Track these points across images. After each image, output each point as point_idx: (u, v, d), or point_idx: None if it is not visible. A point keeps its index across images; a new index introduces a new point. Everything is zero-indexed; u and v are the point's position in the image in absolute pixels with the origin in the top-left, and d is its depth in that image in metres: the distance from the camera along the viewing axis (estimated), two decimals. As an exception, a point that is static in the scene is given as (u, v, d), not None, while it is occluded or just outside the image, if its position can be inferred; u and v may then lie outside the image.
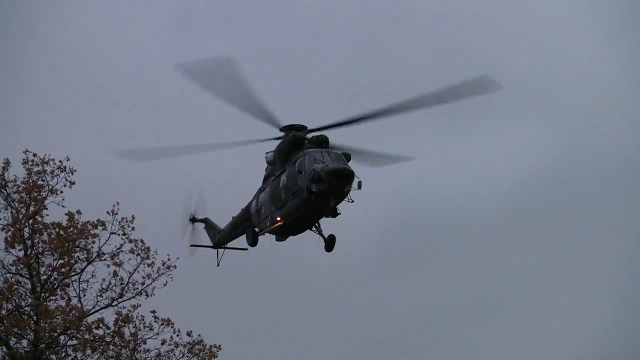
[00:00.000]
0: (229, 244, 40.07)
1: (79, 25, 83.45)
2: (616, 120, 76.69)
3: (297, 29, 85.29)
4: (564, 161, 75.78)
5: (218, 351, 38.53)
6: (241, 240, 38.17)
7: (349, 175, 31.00)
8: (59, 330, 35.86)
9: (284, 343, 64.35)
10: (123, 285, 37.98)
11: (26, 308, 36.49)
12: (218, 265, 40.54)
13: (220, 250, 40.51)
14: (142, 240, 38.81)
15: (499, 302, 70.06)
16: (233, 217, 38.83)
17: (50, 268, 37.05)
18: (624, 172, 73.29)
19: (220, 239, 40.52)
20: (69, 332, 36.22)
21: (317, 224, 33.88)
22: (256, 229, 35.44)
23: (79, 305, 37.06)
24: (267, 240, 35.38)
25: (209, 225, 42.33)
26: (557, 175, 75.18)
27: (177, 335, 38.25)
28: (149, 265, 38.56)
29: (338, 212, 32.55)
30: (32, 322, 36.05)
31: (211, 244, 41.31)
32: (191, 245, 41.81)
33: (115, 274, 37.99)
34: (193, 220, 42.86)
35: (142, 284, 38.33)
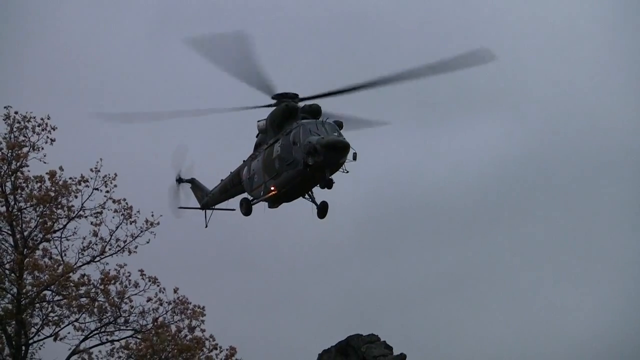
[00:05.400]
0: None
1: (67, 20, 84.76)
2: (578, 115, 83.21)
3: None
4: (530, 151, 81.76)
5: (203, 312, 38.54)
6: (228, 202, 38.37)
7: (345, 148, 30.69)
8: (44, 285, 35.75)
9: (264, 313, 66.87)
10: (104, 244, 37.77)
11: (8, 264, 36.29)
12: (206, 226, 40.21)
13: (209, 212, 40.08)
14: (124, 199, 38.62)
15: (471, 280, 74.23)
16: (222, 180, 38.44)
17: (33, 223, 36.81)
18: (585, 159, 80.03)
19: (208, 201, 40.14)
20: (53, 287, 36.06)
21: (310, 192, 33.63)
22: (249, 198, 35.05)
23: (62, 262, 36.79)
24: (260, 208, 34.98)
25: (195, 185, 41.82)
26: (524, 164, 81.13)
27: (163, 293, 38.35)
28: (131, 223, 38.42)
29: (333, 182, 31.89)
30: (15, 277, 35.79)
31: (198, 205, 40.83)
32: (179, 208, 41.34)
33: (95, 233, 37.76)
34: (179, 180, 42.24)
35: (125, 241, 38.16)
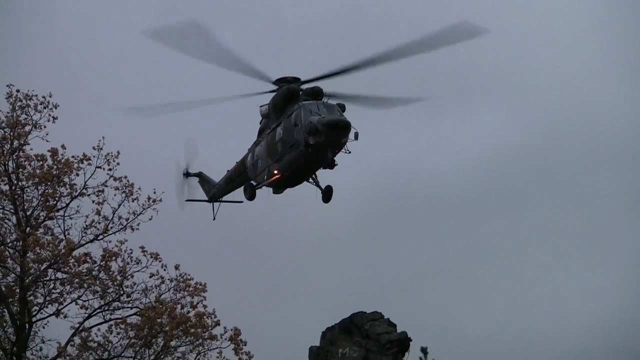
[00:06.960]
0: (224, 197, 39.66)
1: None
2: (577, 105, 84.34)
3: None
4: (530, 140, 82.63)
5: (204, 289, 38.48)
6: (236, 194, 38.26)
7: (346, 127, 30.51)
8: (46, 264, 35.65)
9: (267, 298, 67.67)
10: (107, 222, 37.71)
11: (11, 243, 36.35)
12: (214, 219, 40.10)
13: (216, 204, 39.97)
14: (125, 177, 38.57)
15: (472, 267, 75.00)
16: (228, 171, 38.33)
17: (36, 201, 36.84)
18: (583, 148, 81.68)
19: (215, 193, 39.96)
20: (56, 265, 35.99)
21: (314, 176, 33.41)
22: (253, 183, 34.81)
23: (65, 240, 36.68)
24: (264, 193, 34.81)
25: (203, 179, 41.68)
26: (523, 153, 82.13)
27: (165, 270, 38.26)
28: (133, 201, 38.39)
29: (335, 163, 32.01)
30: (18, 256, 35.78)
31: (206, 198, 40.68)
32: (187, 200, 41.17)
33: (98, 212, 37.75)
34: (187, 174, 42.06)
35: (127, 219, 38.16)
